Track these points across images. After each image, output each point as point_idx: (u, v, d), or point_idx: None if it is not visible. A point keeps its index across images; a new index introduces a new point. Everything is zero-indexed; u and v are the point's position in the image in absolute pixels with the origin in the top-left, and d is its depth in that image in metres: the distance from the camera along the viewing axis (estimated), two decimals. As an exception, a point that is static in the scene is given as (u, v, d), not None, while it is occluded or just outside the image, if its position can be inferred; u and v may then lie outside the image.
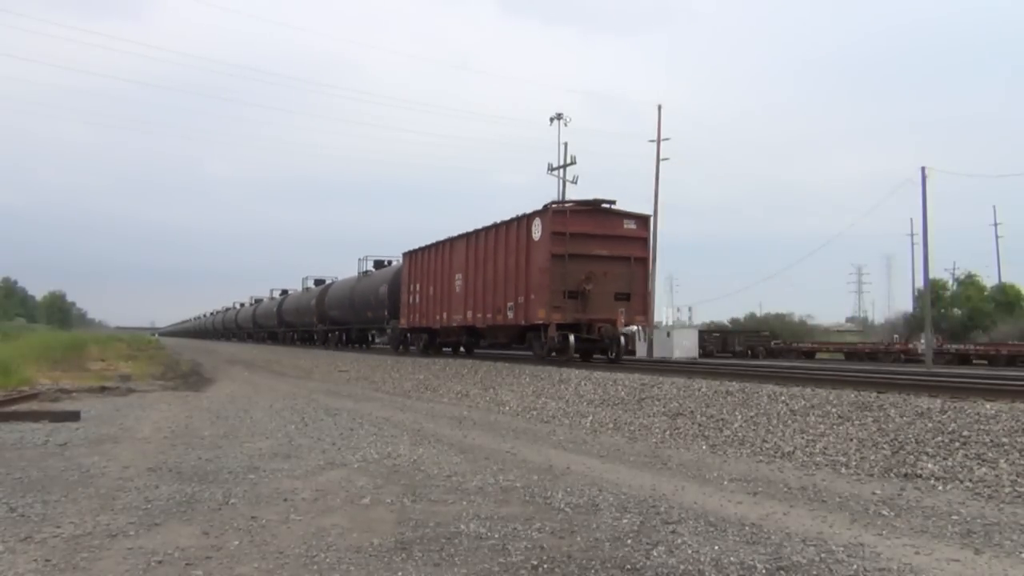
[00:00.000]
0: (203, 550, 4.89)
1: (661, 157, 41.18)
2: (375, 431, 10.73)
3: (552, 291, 17.07)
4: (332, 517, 5.77)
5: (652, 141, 41.46)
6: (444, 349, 25.37)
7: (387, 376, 21.32)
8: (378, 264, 32.40)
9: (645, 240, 18.51)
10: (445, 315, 22.71)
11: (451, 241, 22.41)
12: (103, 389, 17.19)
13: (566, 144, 43.04)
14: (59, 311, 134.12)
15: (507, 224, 19.23)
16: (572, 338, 17.52)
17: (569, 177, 42.69)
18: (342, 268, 35.30)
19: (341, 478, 7.28)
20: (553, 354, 17.94)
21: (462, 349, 25.23)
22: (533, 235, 17.92)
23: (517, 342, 20.75)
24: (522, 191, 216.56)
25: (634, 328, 19.23)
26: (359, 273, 33.57)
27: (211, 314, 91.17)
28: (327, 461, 8.18)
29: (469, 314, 21.09)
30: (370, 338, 34.30)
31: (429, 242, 24.27)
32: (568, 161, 42.60)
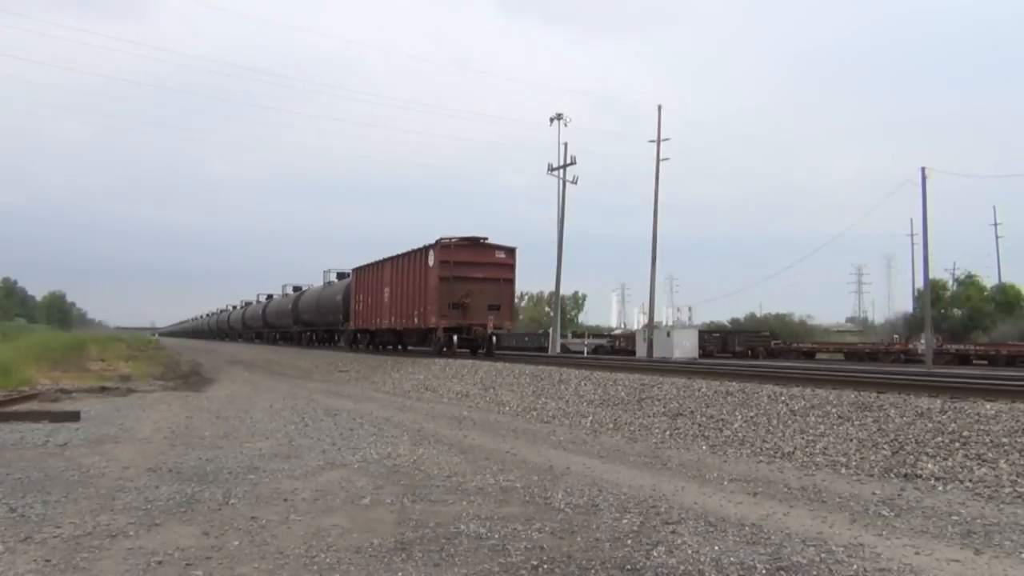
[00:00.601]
0: (203, 550, 4.89)
1: (661, 157, 41.19)
2: (375, 431, 10.73)
3: (440, 303, 22.86)
4: (332, 517, 5.78)
5: (652, 141, 41.43)
6: (387, 347, 30.37)
7: (387, 376, 21.33)
8: (340, 275, 37.28)
9: (511, 266, 24.17)
10: (379, 320, 28.47)
11: (382, 262, 28.04)
12: (103, 389, 17.19)
13: (566, 144, 43.20)
14: (59, 311, 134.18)
15: (414, 252, 25.06)
16: (455, 338, 23.73)
17: (569, 177, 42.81)
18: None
19: (341, 478, 7.28)
20: (444, 349, 23.63)
21: (400, 347, 29.99)
22: (428, 262, 23.67)
23: (423, 341, 26.38)
24: (522, 191, 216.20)
25: (503, 331, 25.40)
26: (324, 283, 39.69)
27: (207, 315, 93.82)
28: (327, 461, 8.18)
29: (393, 319, 26.88)
30: (336, 338, 38.26)
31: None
32: (568, 161, 42.65)
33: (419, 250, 24.56)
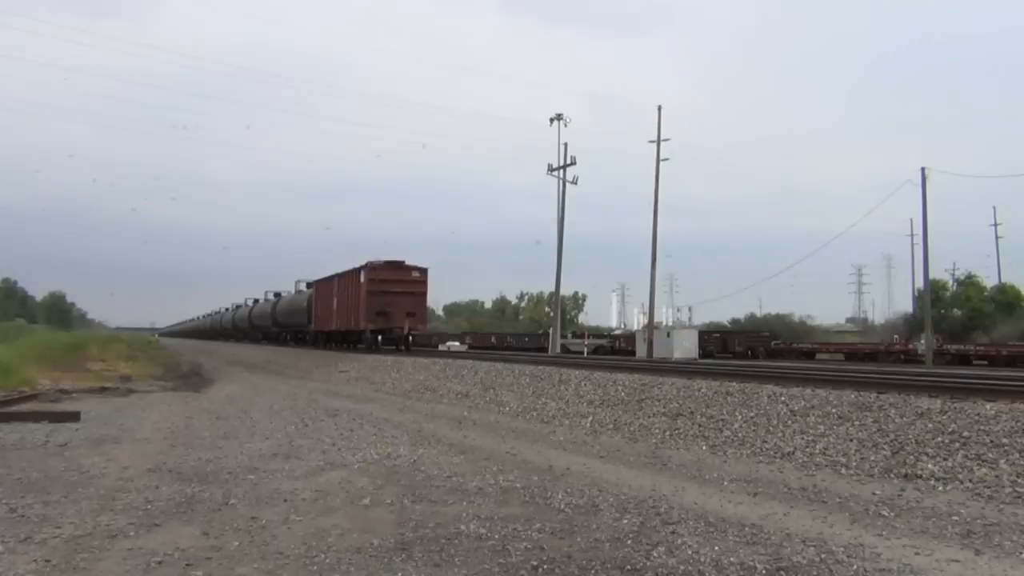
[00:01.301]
0: (203, 551, 4.89)
1: (661, 157, 41.18)
2: (375, 432, 10.73)
3: (368, 311, 29.48)
4: (332, 518, 5.78)
5: (652, 141, 41.31)
6: (341, 345, 36.32)
7: (387, 377, 21.33)
8: (308, 285, 43.06)
9: (424, 282, 30.79)
10: (330, 323, 35.39)
11: (332, 278, 35.09)
12: (103, 390, 17.21)
13: (566, 144, 43.21)
14: (59, 312, 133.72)
15: (352, 271, 31.86)
16: (379, 338, 30.99)
17: (569, 177, 42.81)
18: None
19: (341, 479, 7.28)
20: (373, 346, 30.90)
21: (347, 345, 35.82)
22: (361, 280, 30.29)
23: (359, 340, 32.79)
24: (523, 191, 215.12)
25: (417, 332, 32.03)
26: (296, 291, 46.83)
27: (203, 316, 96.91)
28: (327, 462, 8.18)
29: (339, 323, 33.96)
30: (306, 338, 43.05)
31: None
32: (568, 162, 42.64)
33: (355, 270, 31.36)
